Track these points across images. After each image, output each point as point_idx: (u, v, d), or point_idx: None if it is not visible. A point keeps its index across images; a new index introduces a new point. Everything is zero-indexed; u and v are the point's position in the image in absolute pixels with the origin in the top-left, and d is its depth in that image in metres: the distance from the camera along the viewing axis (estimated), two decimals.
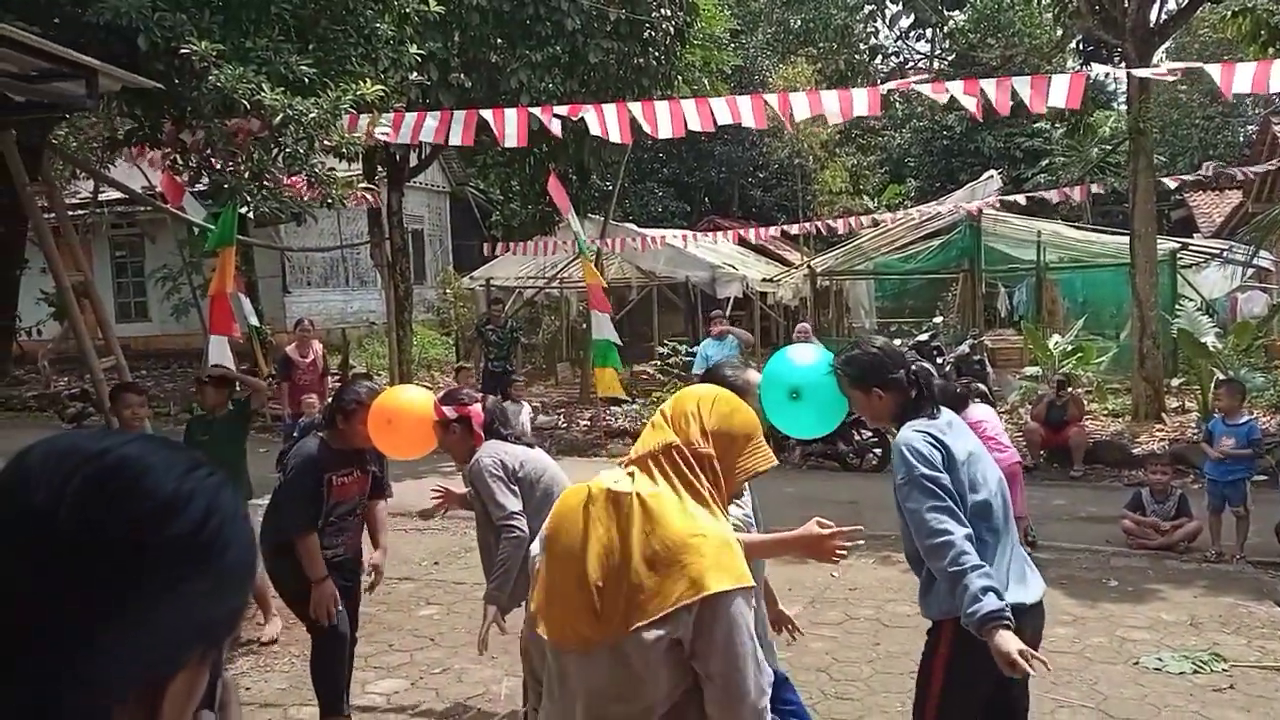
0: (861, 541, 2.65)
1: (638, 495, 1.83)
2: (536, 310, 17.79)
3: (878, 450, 10.42)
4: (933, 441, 2.81)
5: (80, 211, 14.69)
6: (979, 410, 6.49)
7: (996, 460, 5.54)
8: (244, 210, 7.58)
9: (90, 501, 0.70)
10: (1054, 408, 10.03)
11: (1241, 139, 27.94)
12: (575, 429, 12.63)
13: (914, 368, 2.95)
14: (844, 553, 2.66)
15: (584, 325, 14.77)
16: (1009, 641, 2.50)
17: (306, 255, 18.17)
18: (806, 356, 3.22)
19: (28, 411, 14.90)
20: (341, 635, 4.20)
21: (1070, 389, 10.53)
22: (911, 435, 2.84)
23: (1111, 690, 4.70)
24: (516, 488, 3.75)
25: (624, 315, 16.64)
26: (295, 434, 7.84)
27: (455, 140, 8.03)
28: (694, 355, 13.44)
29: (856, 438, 10.50)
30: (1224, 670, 4.91)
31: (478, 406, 3.93)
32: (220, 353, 7.23)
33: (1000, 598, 2.59)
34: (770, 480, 3.05)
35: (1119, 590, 6.28)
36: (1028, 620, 2.75)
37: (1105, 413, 12.07)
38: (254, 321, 12.57)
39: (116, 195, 12.83)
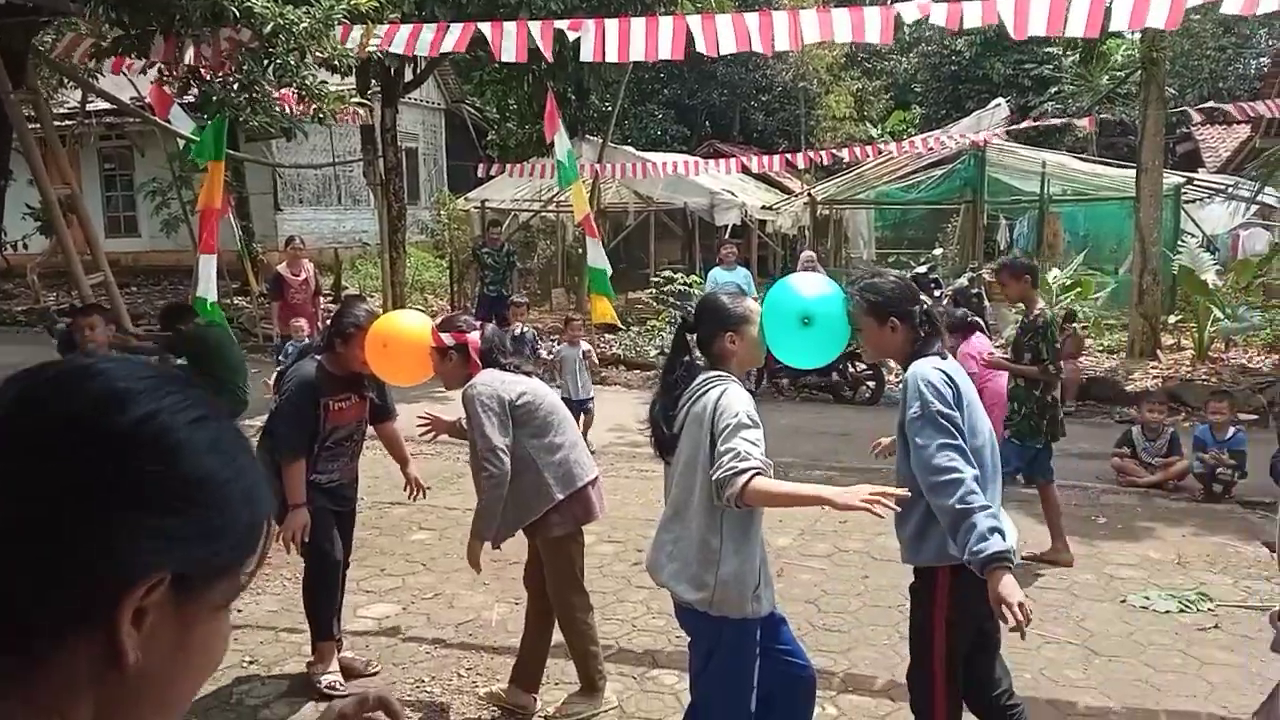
0: (899, 508, 2.58)
1: None
2: (531, 234, 17.56)
3: (871, 383, 10.42)
4: (946, 379, 2.81)
5: (68, 122, 14.34)
6: (980, 340, 6.37)
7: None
8: (233, 117, 7.39)
9: (34, 399, 0.70)
10: None
11: (1253, 71, 27.42)
12: None
13: (926, 305, 2.93)
14: (868, 508, 2.49)
15: (579, 250, 14.59)
16: (1011, 587, 2.50)
17: (298, 172, 17.84)
18: (816, 284, 3.17)
19: (16, 326, 14.81)
20: (334, 560, 4.20)
21: (1075, 324, 10.51)
22: (928, 370, 2.83)
23: (1098, 627, 4.76)
24: (509, 420, 3.70)
25: (620, 241, 16.43)
26: (280, 357, 7.78)
27: (449, 47, 7.74)
28: (690, 285, 13.34)
29: (851, 370, 10.49)
30: (1210, 610, 4.96)
31: (476, 334, 3.86)
32: (209, 271, 7.08)
33: (1005, 539, 2.58)
34: (765, 412, 3.02)
35: (1108, 528, 6.33)
36: None
37: (1100, 349, 12.05)
38: (236, 246, 12.41)
39: (105, 105, 12.51)
